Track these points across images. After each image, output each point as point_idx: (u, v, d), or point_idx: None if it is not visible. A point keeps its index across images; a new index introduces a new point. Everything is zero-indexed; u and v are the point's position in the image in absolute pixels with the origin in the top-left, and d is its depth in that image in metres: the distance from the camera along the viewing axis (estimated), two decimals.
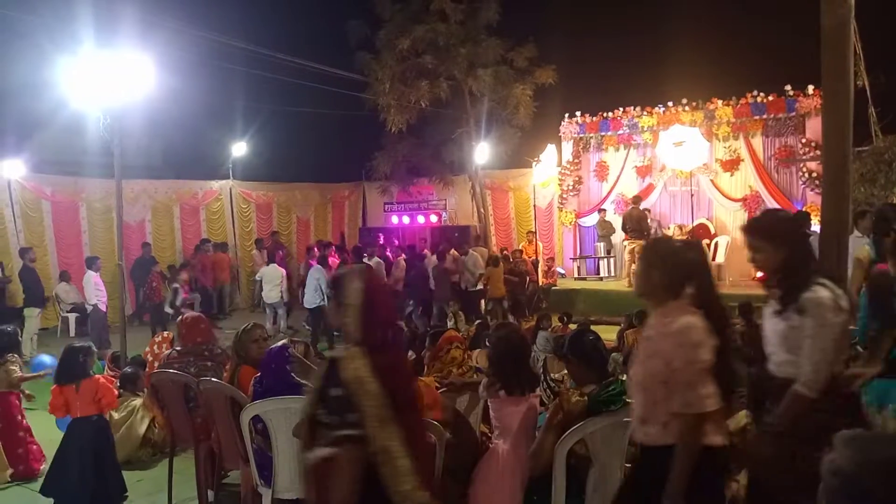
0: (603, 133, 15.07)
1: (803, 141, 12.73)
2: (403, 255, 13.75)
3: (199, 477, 4.86)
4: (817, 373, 2.53)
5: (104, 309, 10.96)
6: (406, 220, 18.57)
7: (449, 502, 3.34)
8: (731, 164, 13.71)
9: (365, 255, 12.60)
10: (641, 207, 13.53)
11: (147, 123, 12.51)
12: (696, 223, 13.65)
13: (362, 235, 18.03)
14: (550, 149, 15.57)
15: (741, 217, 13.66)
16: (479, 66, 14.90)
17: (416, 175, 17.52)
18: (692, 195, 12.53)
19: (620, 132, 14.78)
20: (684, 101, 13.86)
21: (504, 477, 3.15)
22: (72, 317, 11.81)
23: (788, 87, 12.85)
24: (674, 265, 2.56)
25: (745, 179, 13.61)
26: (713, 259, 12.87)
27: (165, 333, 7.96)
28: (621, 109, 14.64)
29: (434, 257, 12.97)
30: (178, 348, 5.15)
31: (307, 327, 11.41)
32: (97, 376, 5.05)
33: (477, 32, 15.00)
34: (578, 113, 15.25)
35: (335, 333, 11.32)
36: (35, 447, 5.62)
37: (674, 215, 14.18)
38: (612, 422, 3.01)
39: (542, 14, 17.36)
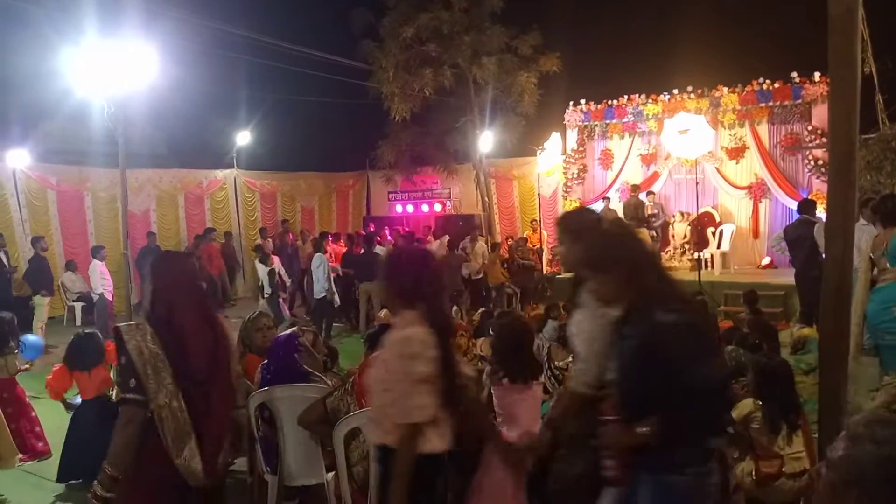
0: (608, 121, 15.00)
1: (809, 128, 12.66)
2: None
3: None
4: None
5: (110, 298, 11.03)
6: (410, 208, 18.57)
7: (452, 490, 3.37)
8: (737, 152, 13.65)
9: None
10: (647, 194, 13.51)
11: (151, 113, 12.54)
12: (700, 211, 13.62)
13: (366, 224, 18.04)
14: (555, 137, 15.52)
15: (747, 205, 13.64)
16: (483, 54, 14.84)
17: (420, 164, 17.50)
18: (697, 183, 12.49)
19: (625, 120, 14.71)
20: (689, 88, 13.79)
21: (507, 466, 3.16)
22: (78, 306, 11.86)
23: (794, 75, 12.77)
24: (402, 273, 2.63)
25: (751, 167, 13.56)
26: (718, 247, 12.86)
27: None
28: (626, 97, 14.57)
29: (437, 243, 12.95)
30: None
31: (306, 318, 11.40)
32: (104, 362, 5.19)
33: (481, 20, 14.92)
34: (583, 101, 15.18)
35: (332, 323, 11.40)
36: (39, 429, 5.69)
37: (678, 203, 14.14)
38: None
39: (546, 1, 17.29)
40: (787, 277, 10.70)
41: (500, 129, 15.77)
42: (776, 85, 12.98)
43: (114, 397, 5.88)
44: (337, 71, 15.08)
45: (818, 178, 12.28)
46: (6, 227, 11.98)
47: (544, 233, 15.02)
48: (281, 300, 11.45)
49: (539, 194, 16.31)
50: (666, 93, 14.04)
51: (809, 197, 10.13)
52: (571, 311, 2.87)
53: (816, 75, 12.35)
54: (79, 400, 5.23)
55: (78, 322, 11.68)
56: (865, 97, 3.83)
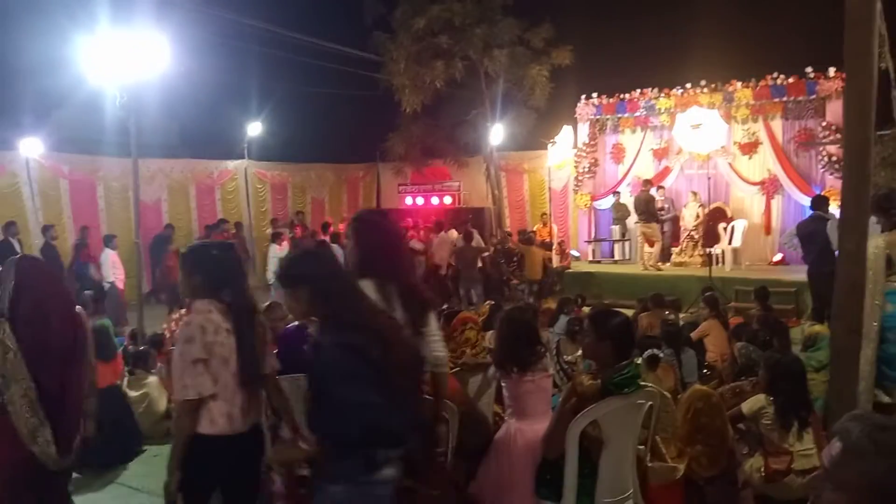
0: (619, 115, 14.93)
1: (823, 124, 12.54)
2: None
3: None
4: None
5: (121, 287, 11.09)
6: (420, 201, 18.55)
7: (458, 480, 3.38)
8: (750, 147, 13.55)
9: None
10: (657, 189, 13.43)
11: (164, 102, 12.54)
12: (712, 206, 13.54)
13: None
14: (566, 130, 15.46)
15: (759, 201, 13.54)
16: (494, 47, 14.76)
17: (430, 156, 17.47)
18: (709, 178, 12.40)
19: (637, 114, 14.63)
20: (703, 82, 13.68)
21: (516, 455, 3.17)
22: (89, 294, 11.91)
23: (809, 70, 12.64)
24: (209, 269, 2.87)
25: (764, 163, 13.45)
26: (729, 243, 12.79)
27: (183, 311, 8.05)
28: (638, 91, 14.49)
29: (451, 235, 12.90)
30: None
31: None
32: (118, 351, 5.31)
33: (493, 12, 14.84)
34: (595, 94, 15.10)
35: None
36: None
37: (689, 198, 14.05)
38: (625, 404, 3.02)
39: None
40: (799, 274, 10.62)
41: (511, 121, 15.71)
42: (790, 80, 12.86)
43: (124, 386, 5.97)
44: (348, 62, 15.06)
45: (832, 174, 12.18)
46: (19, 216, 12.06)
47: (554, 227, 14.97)
48: None
49: (550, 188, 16.25)
50: (679, 87, 13.94)
51: (823, 193, 10.05)
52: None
53: (831, 70, 12.23)
54: None
55: (89, 310, 11.73)
56: (881, 93, 3.78)
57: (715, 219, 13.35)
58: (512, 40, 14.84)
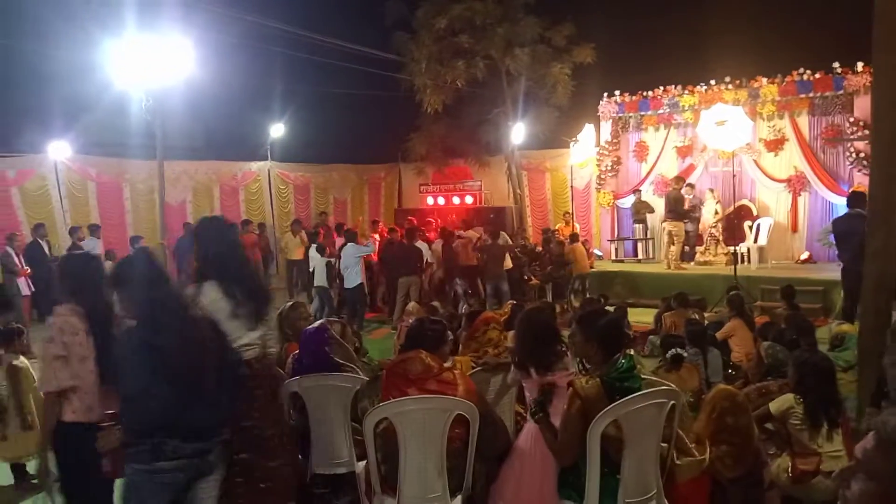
0: (643, 112, 14.80)
1: (851, 120, 12.32)
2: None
3: None
4: None
5: None
6: (441, 201, 18.55)
7: (477, 481, 3.38)
8: (776, 144, 13.36)
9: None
10: (686, 187, 13.26)
11: (188, 105, 12.69)
12: (737, 204, 13.36)
13: (398, 217, 18.07)
14: (588, 129, 15.36)
15: (785, 198, 13.34)
16: (516, 46, 14.73)
17: (451, 156, 17.46)
18: (734, 176, 12.24)
19: (661, 111, 14.50)
20: (727, 79, 13.52)
21: (539, 456, 3.16)
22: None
23: (836, 65, 12.43)
24: (69, 277, 3.34)
25: (790, 160, 13.25)
26: (755, 241, 12.62)
27: None
28: (662, 88, 14.35)
29: (473, 234, 12.86)
30: None
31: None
32: None
33: (514, 11, 14.81)
34: (617, 92, 15.00)
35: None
36: None
37: (707, 195, 13.88)
38: (646, 402, 3.00)
39: None
40: (827, 273, 10.46)
41: (533, 120, 15.65)
42: (817, 75, 12.66)
43: None
44: (370, 63, 15.11)
45: (860, 170, 11.96)
46: (48, 218, 12.30)
47: (577, 226, 14.89)
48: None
49: (572, 186, 16.17)
50: (703, 83, 13.79)
51: (852, 189, 9.85)
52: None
53: (859, 65, 12.01)
54: None
55: (116, 311, 11.90)
56: None
57: (740, 217, 13.19)
58: (533, 39, 14.80)
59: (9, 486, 4.90)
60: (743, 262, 12.08)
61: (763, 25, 14.70)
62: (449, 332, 3.76)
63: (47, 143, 12.67)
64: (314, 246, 11.30)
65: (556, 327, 3.57)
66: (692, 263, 12.93)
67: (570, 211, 15.64)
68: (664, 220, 12.90)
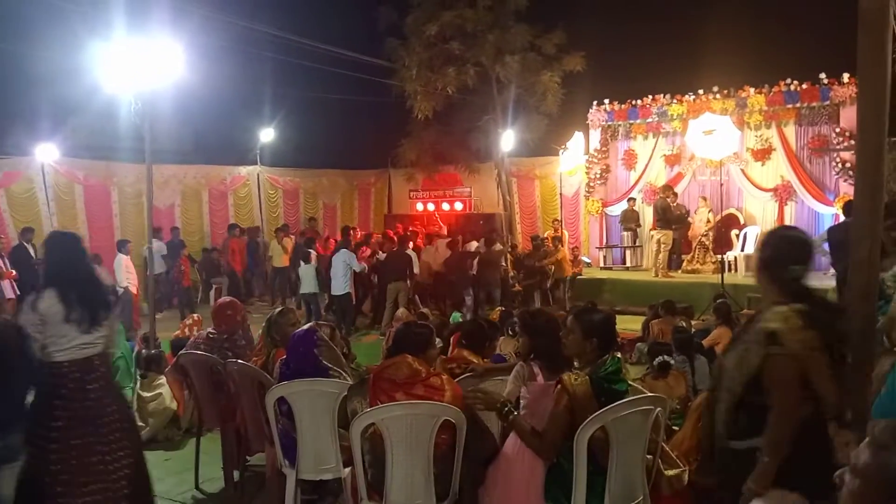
0: (631, 121, 14.90)
1: (837, 130, 12.46)
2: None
3: (225, 457, 4.95)
4: None
5: (135, 291, 11.17)
6: (431, 207, 18.58)
7: (463, 486, 3.37)
8: (763, 154, 13.48)
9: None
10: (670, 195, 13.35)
11: (177, 109, 12.64)
12: (725, 213, 13.45)
13: (387, 223, 18.08)
14: (578, 136, 15.44)
15: (772, 207, 13.45)
16: (506, 53, 14.77)
17: (441, 162, 17.46)
18: (722, 185, 12.33)
19: (649, 120, 14.60)
20: (715, 88, 13.64)
21: (527, 459, 3.15)
22: None
23: (823, 76, 12.57)
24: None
25: (777, 169, 13.37)
26: (742, 250, 12.71)
27: (196, 316, 8.11)
28: (650, 97, 14.46)
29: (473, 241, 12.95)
30: (211, 332, 5.17)
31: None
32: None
33: (505, 18, 14.86)
34: (607, 100, 15.09)
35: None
36: None
37: (700, 204, 13.98)
38: (631, 409, 3.02)
39: (570, 0, 17.15)
40: (814, 281, 10.52)
41: (523, 128, 15.70)
42: (804, 86, 12.80)
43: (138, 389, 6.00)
44: (360, 69, 15.10)
45: (846, 180, 12.08)
46: (35, 221, 12.20)
47: (566, 233, 14.94)
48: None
49: (561, 194, 16.24)
50: (691, 93, 13.91)
51: (837, 199, 9.95)
52: None
53: (845, 76, 12.15)
54: None
55: None
56: (894, 99, 3.75)
57: (727, 225, 13.28)
58: (524, 46, 14.84)
59: None
60: (730, 270, 12.16)
61: (751, 36, 14.84)
62: (437, 337, 3.76)
63: (35, 145, 12.59)
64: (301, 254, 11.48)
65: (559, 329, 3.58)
66: (679, 271, 13.00)
67: (560, 218, 15.70)
68: (652, 229, 12.96)
